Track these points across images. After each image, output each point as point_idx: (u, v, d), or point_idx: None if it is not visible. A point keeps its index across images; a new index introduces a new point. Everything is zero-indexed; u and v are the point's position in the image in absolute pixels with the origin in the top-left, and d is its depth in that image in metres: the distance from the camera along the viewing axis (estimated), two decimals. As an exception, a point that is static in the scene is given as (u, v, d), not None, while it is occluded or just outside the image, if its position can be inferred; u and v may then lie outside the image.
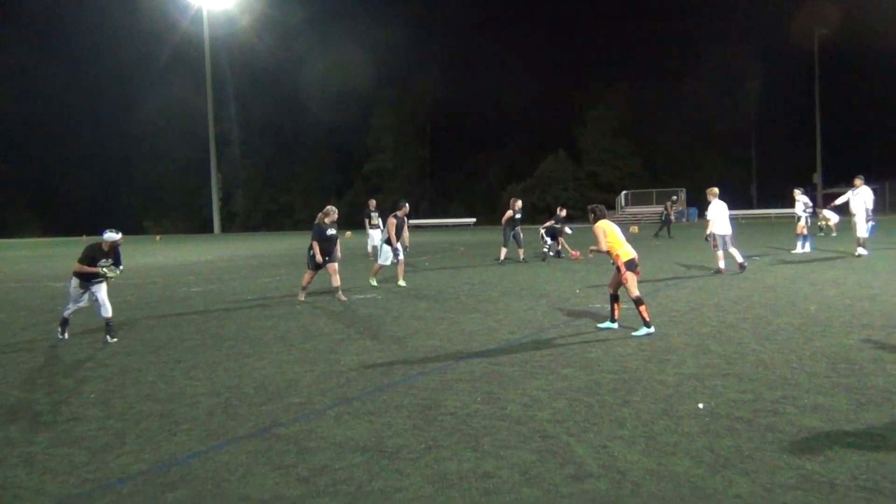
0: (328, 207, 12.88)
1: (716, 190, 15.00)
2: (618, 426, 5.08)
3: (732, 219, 15.52)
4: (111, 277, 9.39)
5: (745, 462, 4.31)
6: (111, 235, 9.43)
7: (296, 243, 37.47)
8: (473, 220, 69.52)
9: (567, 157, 73.83)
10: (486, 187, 78.65)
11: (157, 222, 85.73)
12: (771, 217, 55.22)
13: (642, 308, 8.46)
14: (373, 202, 22.58)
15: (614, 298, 8.94)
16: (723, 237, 14.69)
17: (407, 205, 14.95)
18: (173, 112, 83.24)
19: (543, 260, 20.03)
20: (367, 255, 23.02)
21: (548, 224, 21.30)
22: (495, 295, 12.81)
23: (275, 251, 32.12)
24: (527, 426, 5.15)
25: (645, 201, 62.09)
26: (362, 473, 4.36)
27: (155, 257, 29.87)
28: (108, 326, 9.39)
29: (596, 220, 8.91)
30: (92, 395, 6.53)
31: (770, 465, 4.24)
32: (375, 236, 21.70)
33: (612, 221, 9.08)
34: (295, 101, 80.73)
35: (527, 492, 3.99)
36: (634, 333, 8.43)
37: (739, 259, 14.72)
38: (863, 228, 17.47)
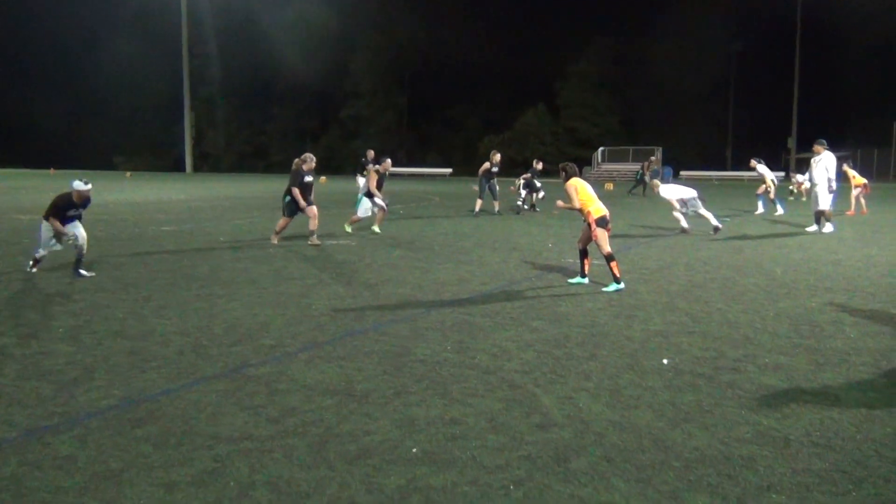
0: (306, 155, 12.86)
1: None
2: (584, 379, 5.18)
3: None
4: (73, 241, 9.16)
5: (704, 416, 4.44)
6: (80, 185, 9.08)
7: (270, 186, 37.08)
8: (450, 170, 69.20)
9: (546, 112, 73.39)
10: (464, 138, 78.08)
11: (128, 159, 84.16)
12: (744, 179, 55.55)
13: (613, 264, 8.56)
14: (371, 152, 20.75)
15: (583, 254, 9.04)
16: (681, 200, 14.66)
17: (390, 160, 15.03)
18: (149, 46, 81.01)
19: (518, 213, 20.09)
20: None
21: (524, 177, 21.31)
22: (468, 246, 12.86)
23: (249, 193, 31.80)
24: (495, 376, 5.24)
25: (622, 158, 62.16)
26: (331, 416, 4.42)
27: (125, 194, 29.44)
28: (79, 261, 9.27)
29: (567, 178, 8.93)
30: (60, 330, 6.50)
31: (728, 420, 4.38)
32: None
33: (586, 179, 9.13)
34: (274, 41, 78.92)
35: (492, 438, 4.08)
36: (604, 289, 8.55)
37: (685, 224, 14.87)
38: (826, 200, 14.98)
